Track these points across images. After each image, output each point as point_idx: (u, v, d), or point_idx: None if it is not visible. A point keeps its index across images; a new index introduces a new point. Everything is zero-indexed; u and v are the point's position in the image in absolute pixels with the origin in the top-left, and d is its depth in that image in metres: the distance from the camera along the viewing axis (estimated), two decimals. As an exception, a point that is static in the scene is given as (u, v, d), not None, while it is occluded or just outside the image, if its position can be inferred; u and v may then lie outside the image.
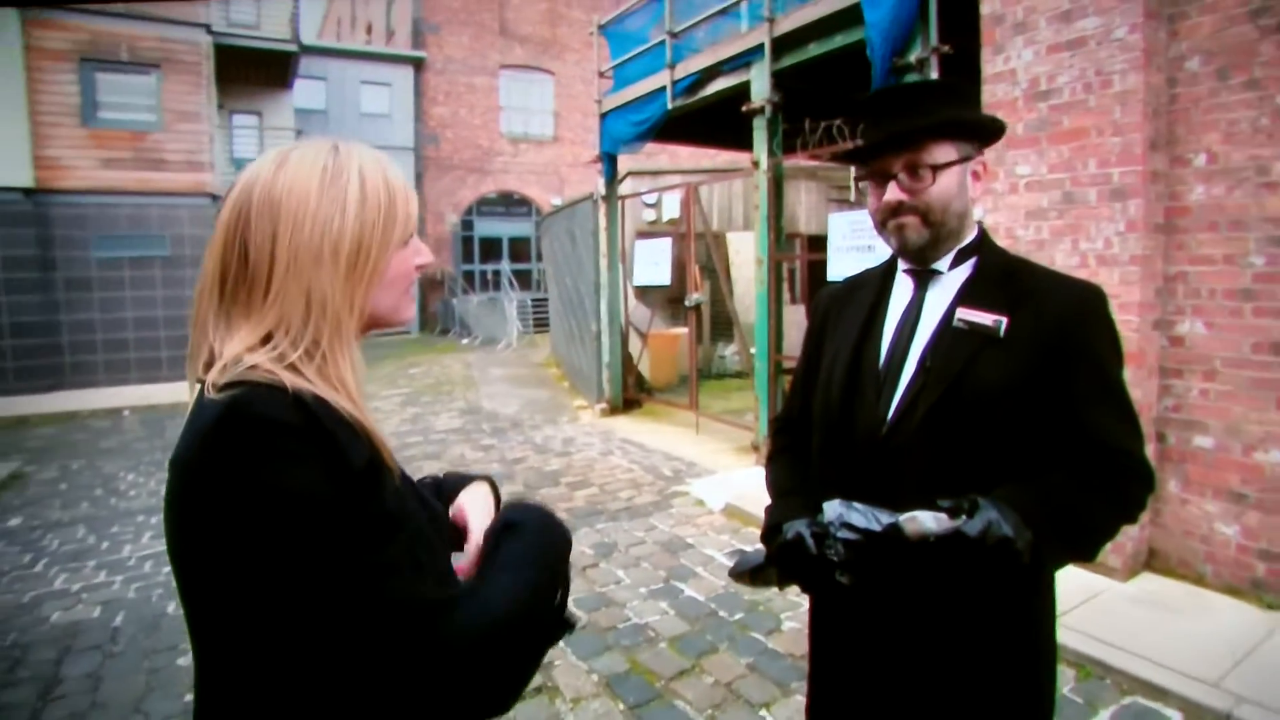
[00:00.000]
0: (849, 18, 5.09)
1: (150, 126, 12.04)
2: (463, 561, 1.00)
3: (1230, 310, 3.59)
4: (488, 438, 7.79)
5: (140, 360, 12.06)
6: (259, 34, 13.73)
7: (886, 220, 1.32)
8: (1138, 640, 3.15)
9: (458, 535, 1.05)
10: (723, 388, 10.14)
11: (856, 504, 1.19)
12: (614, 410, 8.81)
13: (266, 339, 0.83)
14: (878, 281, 1.44)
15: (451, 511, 1.07)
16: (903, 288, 1.39)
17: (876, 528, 1.14)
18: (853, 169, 10.57)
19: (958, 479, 1.19)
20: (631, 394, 9.05)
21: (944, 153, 1.28)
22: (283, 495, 0.74)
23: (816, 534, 1.21)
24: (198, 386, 0.84)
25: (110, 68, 11.71)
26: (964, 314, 1.28)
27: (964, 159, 1.30)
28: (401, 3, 21.02)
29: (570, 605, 0.97)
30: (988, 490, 1.15)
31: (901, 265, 1.40)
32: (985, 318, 1.26)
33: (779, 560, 1.31)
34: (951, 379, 1.24)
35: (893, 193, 1.29)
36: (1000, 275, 1.31)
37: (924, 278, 1.36)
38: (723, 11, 6.68)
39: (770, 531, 1.37)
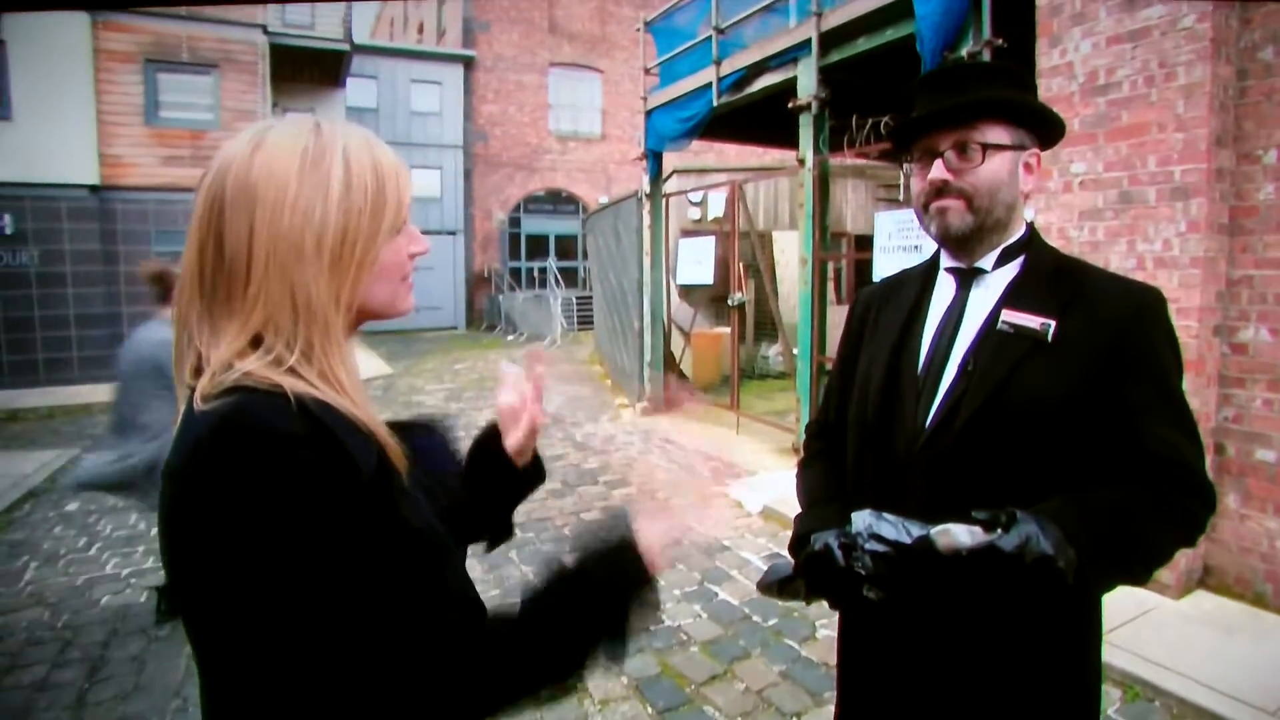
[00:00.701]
0: (899, 11, 4.97)
1: (208, 125, 12.40)
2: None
3: (1300, 316, 3.40)
4: (528, 434, 7.82)
5: (198, 351, 12.46)
6: (313, 34, 14.03)
7: (929, 203, 1.24)
8: (1190, 662, 3.00)
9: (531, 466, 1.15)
10: (765, 388, 10.03)
11: (887, 515, 1.13)
12: (655, 409, 8.78)
13: (257, 341, 0.77)
14: (918, 281, 1.36)
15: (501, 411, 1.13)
16: (945, 288, 1.31)
17: (907, 540, 1.08)
18: (901, 168, 10.37)
19: (1000, 492, 1.11)
20: (672, 393, 9.00)
21: (996, 134, 1.20)
22: (286, 513, 0.69)
23: (845, 545, 1.14)
24: (186, 393, 0.78)
25: (171, 68, 12.10)
26: (1009, 316, 1.20)
27: (1017, 147, 1.22)
28: (453, 2, 21.29)
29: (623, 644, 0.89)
30: (1031, 505, 1.07)
31: (944, 264, 1.32)
32: (1032, 320, 1.18)
33: (806, 572, 1.26)
34: (995, 385, 1.17)
35: (938, 170, 1.21)
36: (1050, 276, 1.22)
37: (967, 277, 1.28)
38: (769, 7, 6.59)
39: (798, 542, 1.31)
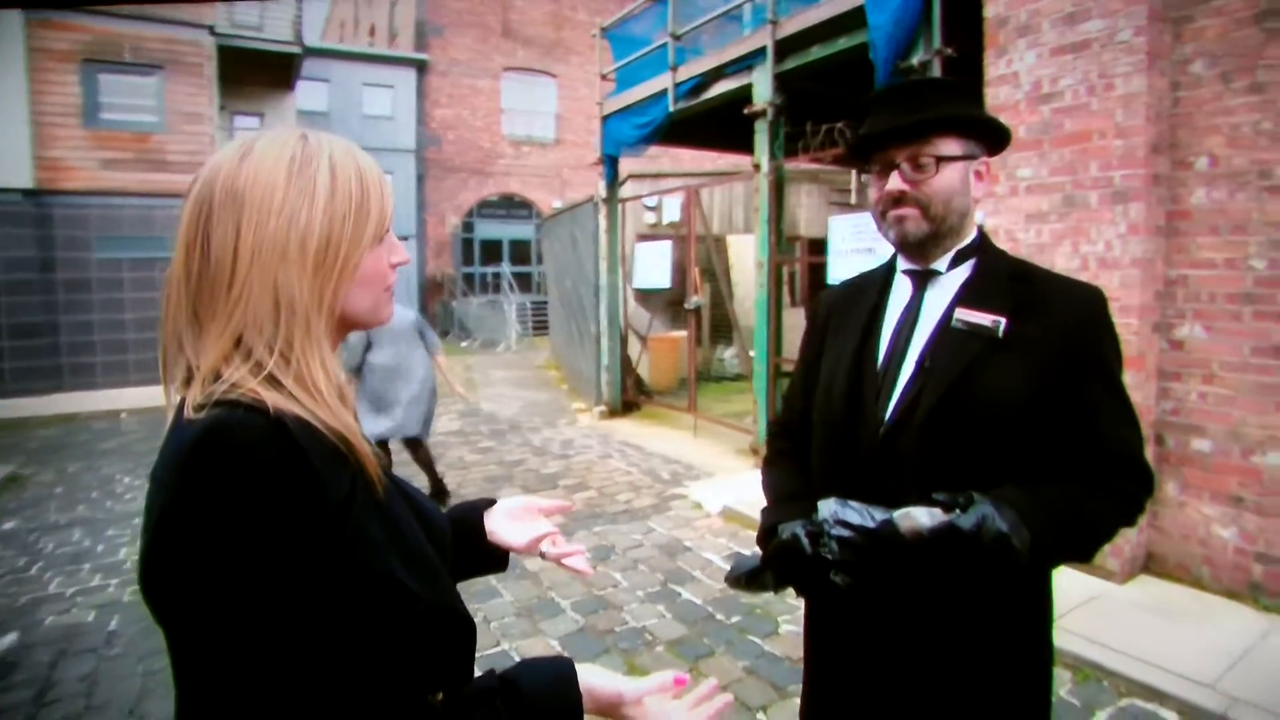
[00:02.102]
0: (852, 21, 5.10)
1: (153, 128, 12.05)
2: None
3: (1231, 314, 3.58)
4: (486, 440, 7.78)
5: (139, 362, 12.05)
6: (262, 35, 13.73)
7: (887, 211, 1.30)
8: (1135, 643, 3.14)
9: (500, 554, 1.17)
10: (722, 390, 10.12)
11: (852, 502, 1.18)
12: (613, 413, 8.80)
13: (238, 343, 0.78)
14: (877, 284, 1.43)
15: (491, 538, 1.17)
16: (902, 289, 1.38)
17: (871, 524, 1.14)
18: (854, 173, 10.63)
19: (958, 482, 1.17)
20: (631, 396, 9.03)
21: (949, 146, 1.27)
22: (243, 536, 0.70)
23: (811, 533, 1.20)
24: (177, 399, 0.80)
25: (113, 68, 11.73)
26: (962, 314, 1.27)
27: (968, 157, 1.29)
28: (405, 5, 21.06)
29: None
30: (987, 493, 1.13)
31: (900, 266, 1.39)
32: (984, 318, 1.25)
33: (774, 562, 1.30)
34: (952, 381, 1.23)
35: (895, 182, 1.28)
36: (1000, 277, 1.30)
37: (923, 278, 1.34)
38: (726, 14, 6.69)
39: (766, 534, 1.36)
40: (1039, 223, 3.99)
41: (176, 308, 0.81)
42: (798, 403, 1.53)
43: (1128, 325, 3.61)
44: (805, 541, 1.20)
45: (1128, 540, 3.73)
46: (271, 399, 0.75)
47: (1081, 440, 1.22)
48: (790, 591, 1.36)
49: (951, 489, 1.15)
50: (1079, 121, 3.81)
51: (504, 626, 3.66)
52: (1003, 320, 1.24)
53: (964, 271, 1.33)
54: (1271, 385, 3.47)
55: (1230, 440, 3.60)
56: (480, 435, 7.98)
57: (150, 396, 10.57)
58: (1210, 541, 3.66)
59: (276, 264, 0.79)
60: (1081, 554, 1.21)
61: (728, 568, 4.40)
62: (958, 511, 1.09)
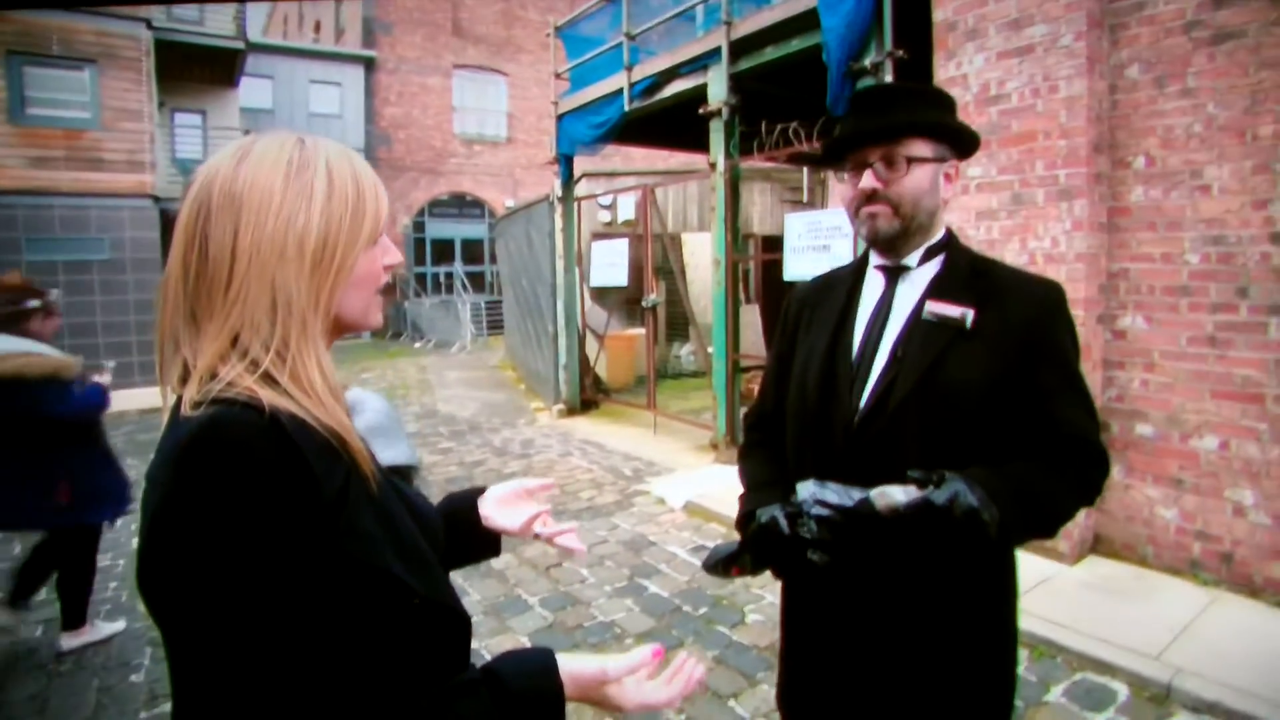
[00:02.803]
0: (805, 22, 5.19)
1: (86, 124, 11.59)
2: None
3: (1168, 306, 3.77)
4: (446, 441, 7.71)
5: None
6: (203, 30, 13.35)
7: (859, 208, 1.38)
8: (1086, 620, 3.29)
9: (494, 539, 1.23)
10: (680, 387, 10.20)
11: (830, 483, 1.24)
12: (572, 411, 8.80)
13: (235, 341, 0.80)
14: (850, 279, 1.50)
15: (485, 523, 1.22)
16: (874, 284, 1.45)
17: (849, 503, 1.20)
18: (805, 172, 10.82)
19: (928, 465, 1.23)
20: (589, 395, 9.04)
21: (920, 149, 1.35)
22: (237, 532, 0.71)
23: (790, 514, 1.26)
24: (173, 399, 0.81)
25: (41, 62, 11.24)
26: (933, 307, 1.34)
27: (938, 159, 1.37)
28: (352, 1, 20.67)
29: None
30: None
31: (873, 262, 1.46)
32: (953, 310, 1.32)
33: (753, 545, 1.36)
34: (924, 370, 1.30)
35: (868, 180, 1.35)
36: (967, 272, 1.38)
37: (894, 274, 1.41)
38: (680, 14, 6.74)
39: (745, 519, 1.41)
40: (989, 220, 4.14)
41: (173, 308, 0.82)
42: (771, 395, 1.59)
43: (1075, 317, 3.76)
44: (784, 523, 1.26)
45: (1077, 524, 3.90)
46: (267, 396, 0.76)
47: (1041, 425, 1.30)
48: (756, 582, 1.42)
49: (925, 470, 1.21)
50: (1025, 122, 3.96)
51: (473, 625, 3.64)
52: (970, 312, 1.31)
53: (933, 267, 1.40)
54: (1205, 373, 3.66)
55: (1170, 425, 3.78)
56: (439, 436, 7.91)
57: (144, 397, 10.14)
58: (1153, 522, 3.84)
59: (274, 264, 0.80)
60: (1045, 531, 1.28)
61: (693, 561, 4.50)
62: (931, 488, 1.16)
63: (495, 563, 4.35)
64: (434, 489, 5.93)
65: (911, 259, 1.40)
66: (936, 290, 1.36)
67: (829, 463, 1.36)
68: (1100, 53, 3.81)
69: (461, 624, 0.94)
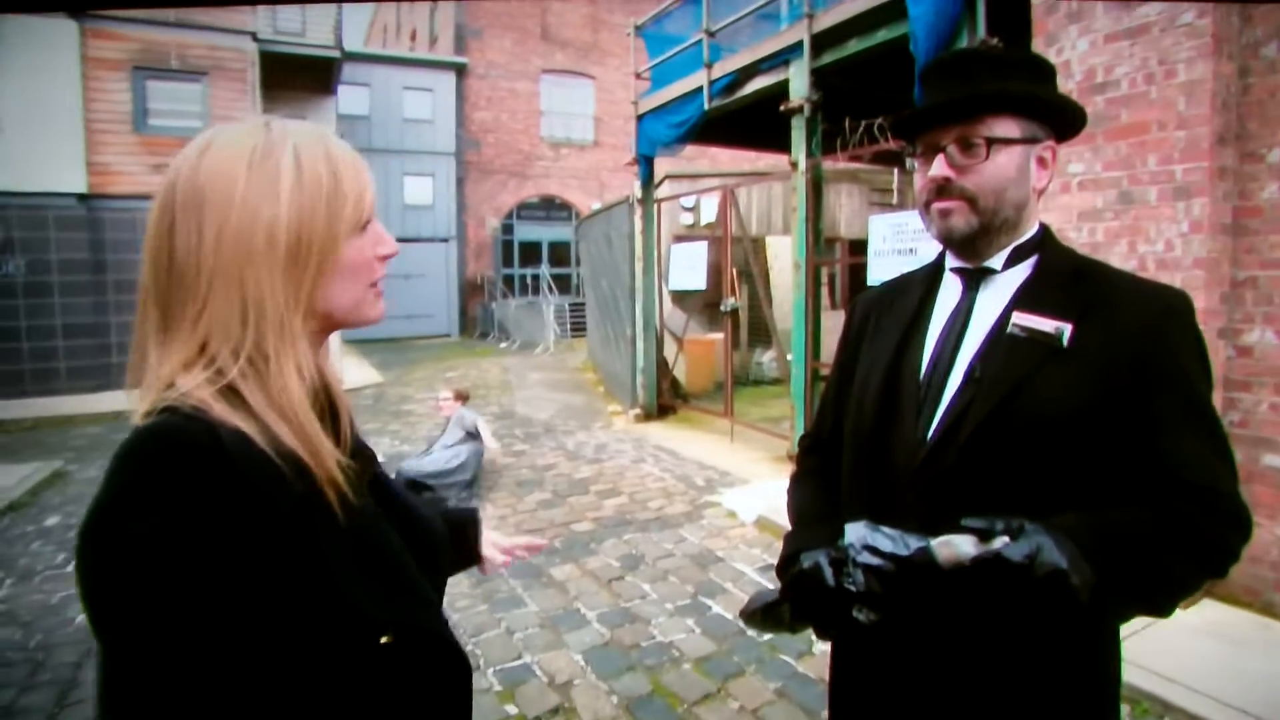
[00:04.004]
0: (891, 11, 4.90)
1: (198, 133, 12.26)
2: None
3: (1306, 318, 3.32)
4: (520, 443, 7.71)
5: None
6: (303, 40, 13.93)
7: (931, 202, 1.15)
8: (1199, 675, 2.91)
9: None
10: (760, 395, 9.93)
11: (884, 527, 1.03)
12: (648, 416, 8.68)
13: (204, 349, 0.74)
14: (922, 284, 1.27)
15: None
16: (950, 290, 1.22)
17: (904, 552, 0.99)
18: (895, 173, 10.34)
19: (1007, 512, 1.00)
20: (666, 400, 8.90)
21: (1004, 127, 1.10)
22: (159, 546, 0.66)
23: (836, 561, 1.04)
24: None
25: (160, 75, 11.98)
26: (1020, 319, 1.10)
27: (1029, 140, 1.12)
28: (445, 9, 21.24)
29: None
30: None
31: (949, 264, 1.22)
32: (1045, 324, 1.08)
33: (792, 594, 1.15)
34: (1004, 394, 1.07)
35: (939, 167, 1.11)
36: (1065, 277, 1.13)
37: (975, 277, 1.18)
38: (761, 9, 6.53)
39: (787, 562, 1.20)
40: (1092, 221, 3.76)
41: (146, 318, 0.77)
42: (829, 415, 1.37)
43: (1191, 330, 3.37)
44: (828, 571, 1.04)
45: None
46: (220, 410, 0.71)
47: (1153, 466, 1.03)
48: (809, 629, 1.21)
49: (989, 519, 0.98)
50: (1136, 112, 3.57)
51: (527, 639, 3.56)
52: (1067, 327, 1.07)
53: (1023, 271, 1.16)
54: (1351, 395, 3.20)
55: (1304, 454, 3.33)
56: (514, 438, 7.92)
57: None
58: (1282, 563, 3.40)
59: (242, 262, 0.74)
60: (1153, 604, 1.03)
61: (761, 580, 4.28)
62: (1006, 540, 0.93)
63: (556, 573, 4.27)
64: (504, 492, 5.91)
65: (995, 260, 1.16)
66: (1026, 299, 1.12)
67: (888, 501, 1.15)
68: (1229, 31, 3.38)
69: (454, 661, 0.85)
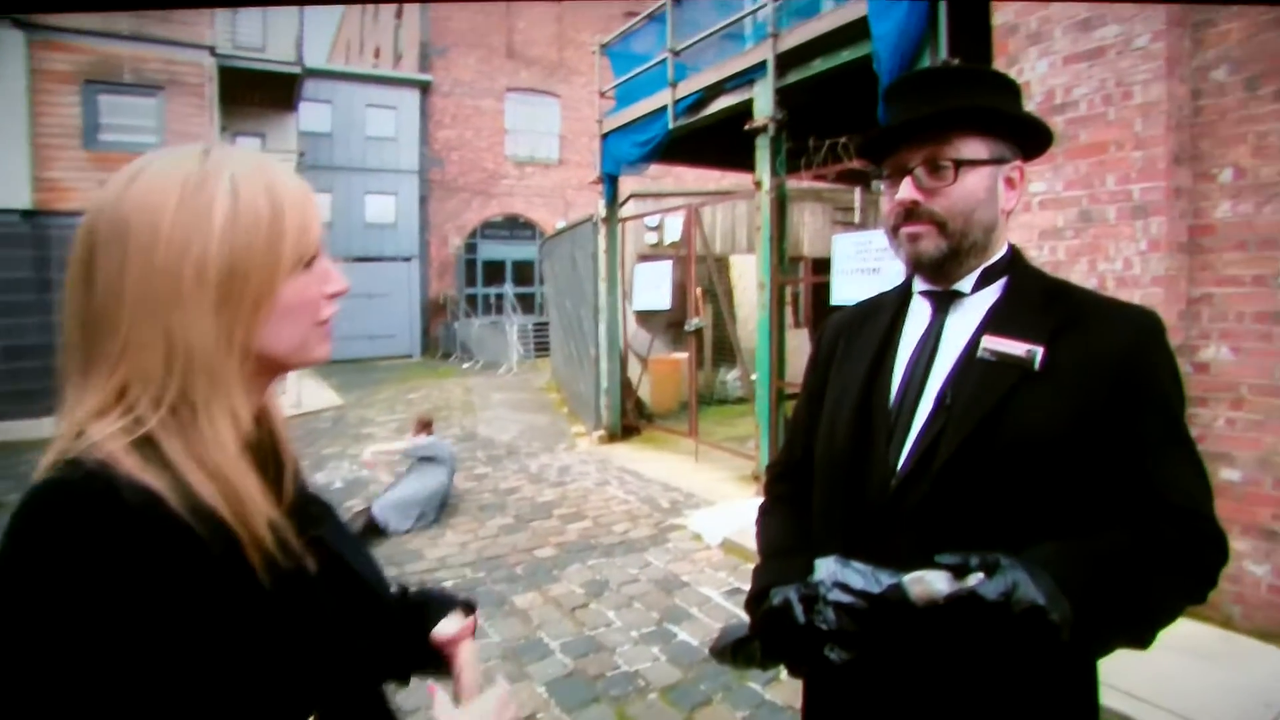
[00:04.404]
0: (855, 32, 4.93)
1: (153, 149, 11.97)
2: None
3: (1260, 334, 3.36)
4: (482, 466, 7.55)
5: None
6: (264, 56, 13.73)
7: (899, 226, 1.11)
8: (1165, 690, 2.89)
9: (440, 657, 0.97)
10: (725, 414, 9.90)
11: (855, 562, 0.98)
12: (612, 437, 8.58)
13: (122, 395, 0.67)
14: (892, 307, 1.22)
15: (436, 636, 0.97)
16: (919, 313, 1.18)
17: (876, 589, 0.94)
18: (858, 191, 10.46)
19: (985, 544, 0.96)
20: (631, 420, 8.81)
21: (972, 148, 1.07)
22: (39, 611, 0.59)
23: (806, 598, 0.99)
24: None
25: (113, 89, 11.69)
26: (990, 342, 1.07)
27: (996, 160, 1.09)
28: (410, 26, 21.16)
29: None
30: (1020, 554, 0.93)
31: (918, 286, 1.18)
32: (1016, 347, 1.04)
33: (762, 632, 1.09)
34: (978, 421, 1.03)
35: (906, 190, 1.08)
36: (1036, 299, 1.10)
37: (944, 300, 1.14)
38: (725, 29, 6.55)
39: (756, 597, 1.14)
40: (1054, 239, 3.78)
41: (68, 359, 0.71)
42: (800, 442, 1.31)
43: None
44: (798, 608, 0.99)
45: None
46: (130, 464, 0.64)
47: (1138, 490, 1.00)
48: (781, 667, 1.14)
49: (977, 550, 0.93)
50: (1095, 132, 3.61)
51: (488, 671, 3.42)
52: (1039, 350, 1.03)
53: (992, 293, 1.12)
54: (1306, 411, 3.24)
55: (1261, 469, 3.36)
56: (476, 461, 7.76)
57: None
58: (1241, 578, 3.41)
59: (168, 303, 0.67)
60: (1137, 634, 0.98)
61: (727, 605, 4.20)
62: (981, 577, 0.88)
63: (519, 601, 4.14)
64: (465, 516, 5.76)
65: (965, 283, 1.12)
66: (996, 321, 1.09)
67: (861, 532, 1.10)
68: (1181, 53, 3.44)
69: None
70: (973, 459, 1.02)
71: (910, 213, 1.09)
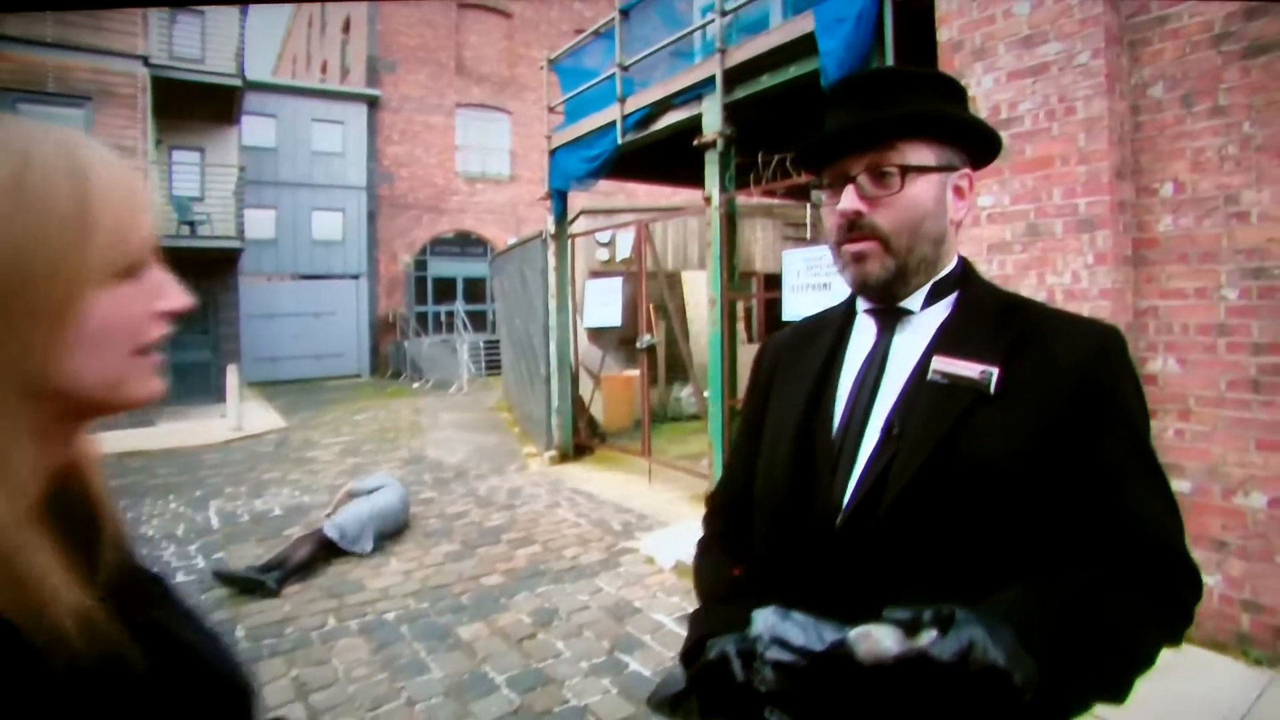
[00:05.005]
0: (802, 47, 4.92)
1: (79, 162, 11.50)
2: None
3: (1204, 346, 3.39)
4: (428, 490, 7.30)
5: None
6: (202, 68, 13.32)
7: (842, 242, 1.01)
8: (1131, 708, 2.84)
9: None
10: (678, 431, 9.81)
11: (795, 614, 0.87)
12: (564, 457, 8.41)
13: None
14: (835, 326, 1.13)
15: None
16: (864, 332, 1.09)
17: (817, 646, 0.83)
18: (808, 207, 10.53)
19: (941, 583, 0.87)
20: (583, 439, 8.65)
21: (918, 154, 0.99)
22: None
23: (744, 653, 0.88)
24: None
25: (35, 99, 11.20)
26: (941, 364, 0.98)
27: (945, 168, 1.01)
28: (357, 41, 20.83)
29: None
30: (979, 599, 0.83)
31: (862, 304, 1.09)
32: (969, 368, 0.96)
33: (699, 688, 0.97)
34: (930, 451, 0.93)
35: (849, 199, 0.98)
36: (989, 315, 1.01)
37: (890, 319, 1.05)
38: (673, 44, 6.52)
39: (693, 650, 1.02)
40: (1002, 253, 3.78)
41: None
42: (740, 474, 1.20)
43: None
44: (736, 664, 0.88)
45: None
46: None
47: (1107, 522, 0.91)
48: None
49: (932, 590, 0.84)
50: (1040, 147, 3.62)
51: (430, 710, 3.23)
52: (994, 370, 0.95)
53: (943, 309, 1.04)
54: (1249, 420, 3.26)
55: (1210, 479, 3.37)
56: (422, 484, 7.51)
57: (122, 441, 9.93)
58: (1193, 591, 3.41)
59: None
60: (1112, 690, 0.88)
61: (680, 631, 4.06)
62: (934, 634, 0.78)
63: (464, 632, 3.96)
64: (410, 543, 5.53)
65: (913, 301, 1.04)
66: (946, 340, 1.00)
67: (803, 577, 0.99)
68: (1120, 70, 3.48)
69: None
70: (924, 493, 0.93)
71: (854, 224, 1.00)
